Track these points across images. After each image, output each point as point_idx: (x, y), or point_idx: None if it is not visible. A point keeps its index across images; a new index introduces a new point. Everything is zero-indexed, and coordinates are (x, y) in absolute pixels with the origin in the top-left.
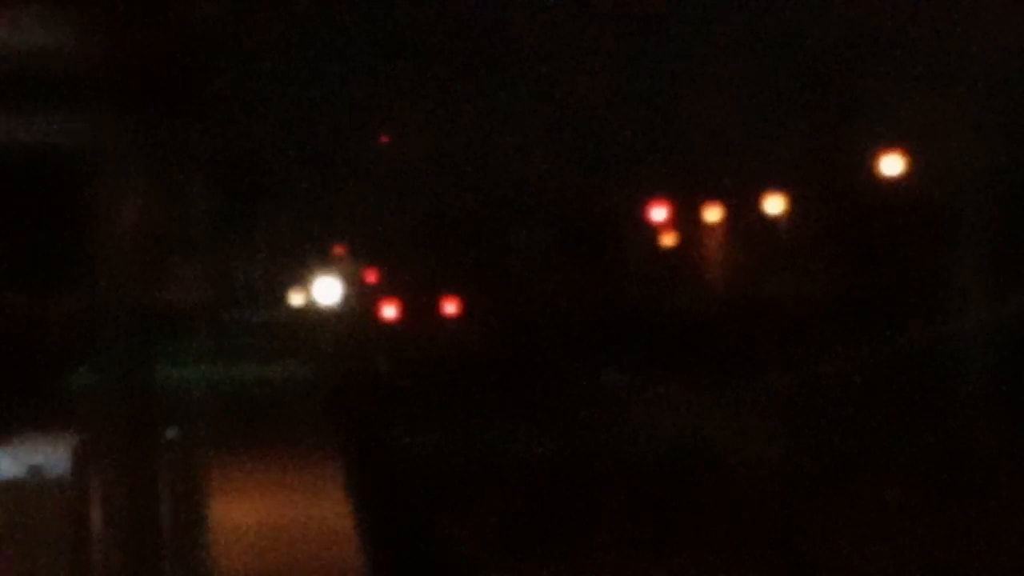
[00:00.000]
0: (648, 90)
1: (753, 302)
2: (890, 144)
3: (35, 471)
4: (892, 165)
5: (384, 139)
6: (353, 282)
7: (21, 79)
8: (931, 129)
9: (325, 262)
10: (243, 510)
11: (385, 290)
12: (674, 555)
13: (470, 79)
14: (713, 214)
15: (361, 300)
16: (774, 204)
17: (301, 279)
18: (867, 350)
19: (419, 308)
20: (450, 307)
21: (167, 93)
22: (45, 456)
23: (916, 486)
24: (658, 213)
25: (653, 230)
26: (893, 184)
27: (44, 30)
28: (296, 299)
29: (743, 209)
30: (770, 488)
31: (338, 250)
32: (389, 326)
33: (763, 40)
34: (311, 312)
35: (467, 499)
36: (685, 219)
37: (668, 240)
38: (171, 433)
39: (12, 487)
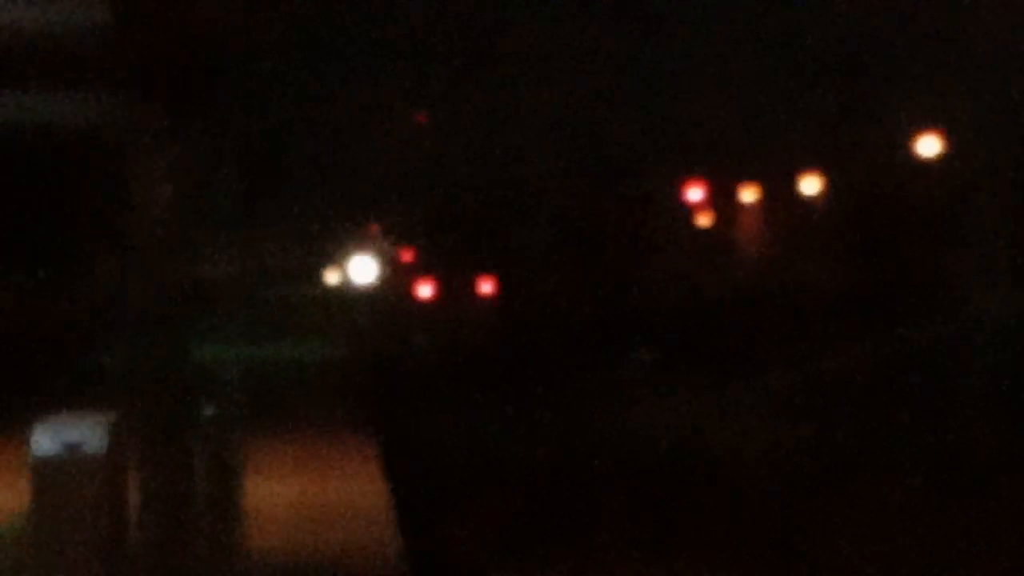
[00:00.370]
0: (684, 70)
1: (788, 284)
2: (926, 126)
3: (72, 448)
4: (928, 147)
5: (421, 117)
6: (388, 261)
7: (60, 65)
8: (968, 112)
9: (361, 241)
10: (276, 487)
11: (420, 269)
12: (700, 542)
13: (508, 58)
14: (748, 194)
15: (396, 279)
16: (809, 185)
17: (337, 258)
18: (903, 336)
19: (454, 287)
20: (485, 286)
21: (200, 71)
22: (82, 434)
23: (950, 481)
24: (694, 193)
25: (689, 210)
26: (928, 166)
27: (78, 18)
28: (332, 278)
29: (778, 190)
30: (804, 477)
31: (374, 229)
32: (424, 305)
33: (799, 21)
34: (347, 291)
35: (497, 479)
36: (720, 199)
37: (703, 220)
38: (206, 411)
39: (50, 464)
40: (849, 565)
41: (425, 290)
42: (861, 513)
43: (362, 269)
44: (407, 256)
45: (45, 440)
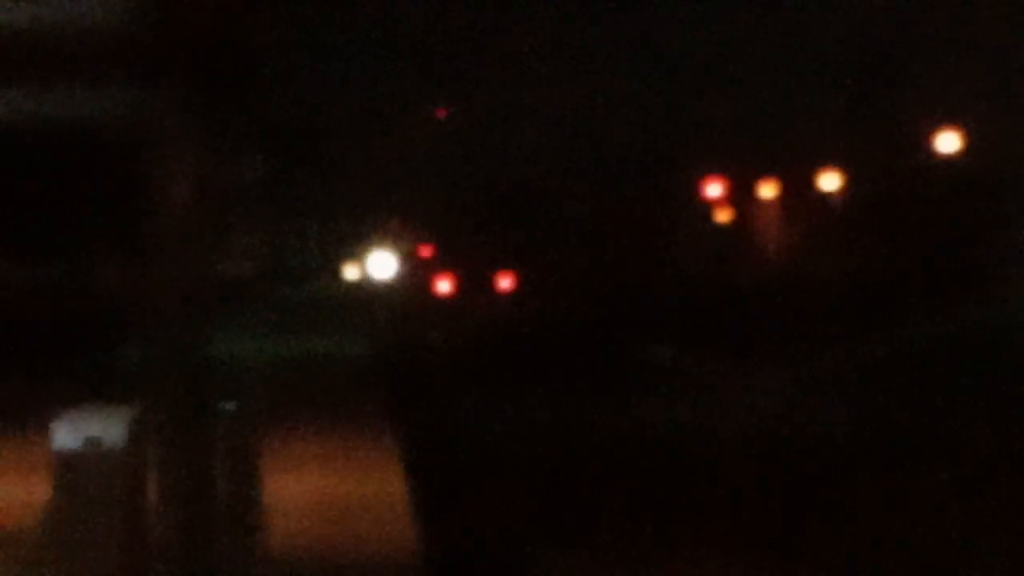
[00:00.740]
0: (704, 66)
1: (806, 279)
2: (945, 122)
3: (92, 442)
4: (947, 143)
5: (440, 112)
6: (407, 257)
7: (77, 54)
8: (988, 108)
9: (380, 237)
10: (296, 483)
11: (439, 265)
12: (709, 530)
13: (527, 53)
14: (767, 190)
15: (415, 275)
16: (828, 181)
17: (356, 253)
18: (922, 330)
19: (473, 283)
20: (504, 282)
21: (223, 67)
22: (102, 428)
23: (971, 468)
24: (713, 189)
25: (708, 206)
26: (948, 162)
27: (101, 5)
28: (351, 273)
29: (798, 186)
30: (821, 467)
31: (393, 225)
32: (443, 301)
33: (818, 17)
34: (366, 286)
35: (519, 474)
36: (739, 195)
37: (722, 216)
38: (226, 406)
39: (70, 458)
40: (865, 560)
41: (445, 286)
42: (880, 506)
43: (381, 265)
44: (427, 252)
45: (65, 434)
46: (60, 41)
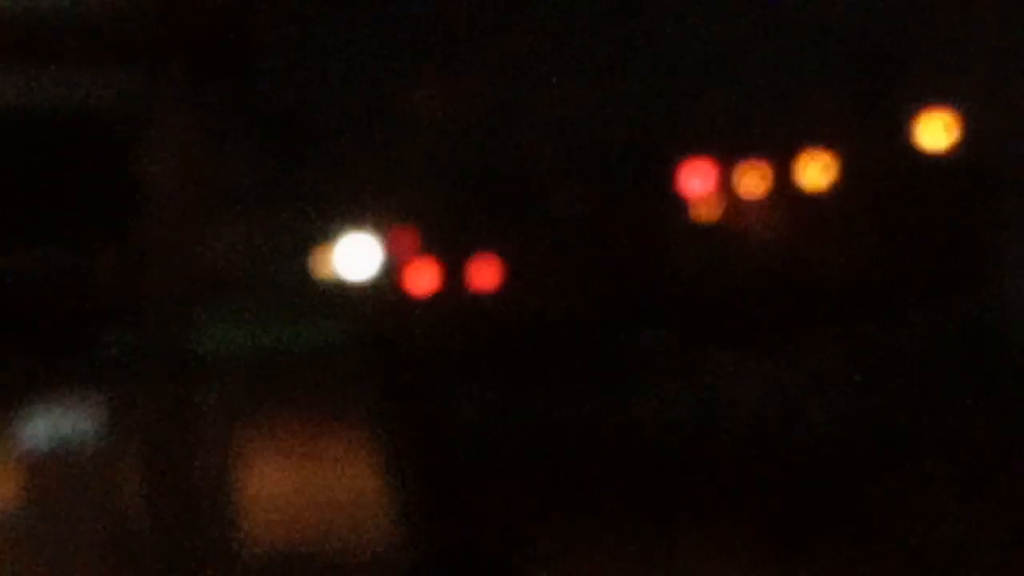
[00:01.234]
0: (687, 46)
1: (795, 266)
2: (938, 104)
3: (67, 436)
4: (946, 128)
5: (426, 96)
6: (389, 243)
7: (65, 35)
8: (981, 89)
9: (362, 222)
10: (277, 476)
11: (421, 252)
12: (706, 527)
13: (510, 34)
14: (755, 175)
15: (400, 263)
16: (816, 164)
17: (337, 240)
18: (915, 320)
19: (455, 271)
20: (491, 271)
21: (210, 51)
22: (78, 420)
23: (955, 463)
24: (699, 174)
25: (694, 191)
26: (947, 148)
27: None
28: (331, 261)
29: (784, 170)
30: (811, 458)
31: (375, 211)
32: (427, 291)
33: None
34: (346, 275)
35: (504, 468)
36: (725, 180)
37: (709, 202)
38: (205, 398)
39: (45, 452)
40: (864, 558)
41: (428, 275)
42: (880, 504)
43: (363, 251)
44: (412, 239)
45: (41, 429)
46: (54, 28)
